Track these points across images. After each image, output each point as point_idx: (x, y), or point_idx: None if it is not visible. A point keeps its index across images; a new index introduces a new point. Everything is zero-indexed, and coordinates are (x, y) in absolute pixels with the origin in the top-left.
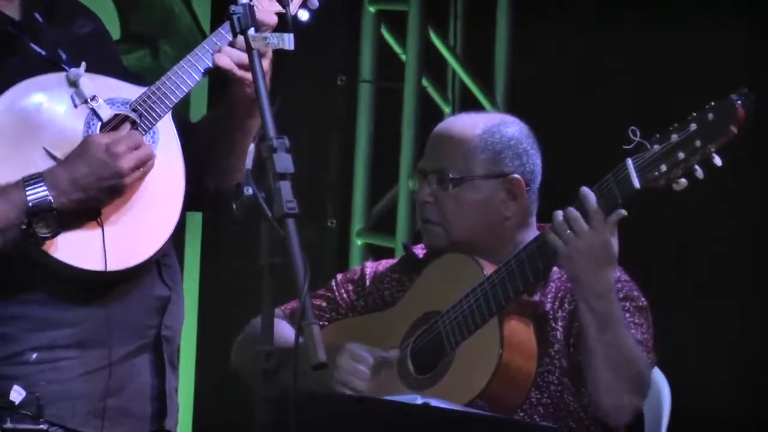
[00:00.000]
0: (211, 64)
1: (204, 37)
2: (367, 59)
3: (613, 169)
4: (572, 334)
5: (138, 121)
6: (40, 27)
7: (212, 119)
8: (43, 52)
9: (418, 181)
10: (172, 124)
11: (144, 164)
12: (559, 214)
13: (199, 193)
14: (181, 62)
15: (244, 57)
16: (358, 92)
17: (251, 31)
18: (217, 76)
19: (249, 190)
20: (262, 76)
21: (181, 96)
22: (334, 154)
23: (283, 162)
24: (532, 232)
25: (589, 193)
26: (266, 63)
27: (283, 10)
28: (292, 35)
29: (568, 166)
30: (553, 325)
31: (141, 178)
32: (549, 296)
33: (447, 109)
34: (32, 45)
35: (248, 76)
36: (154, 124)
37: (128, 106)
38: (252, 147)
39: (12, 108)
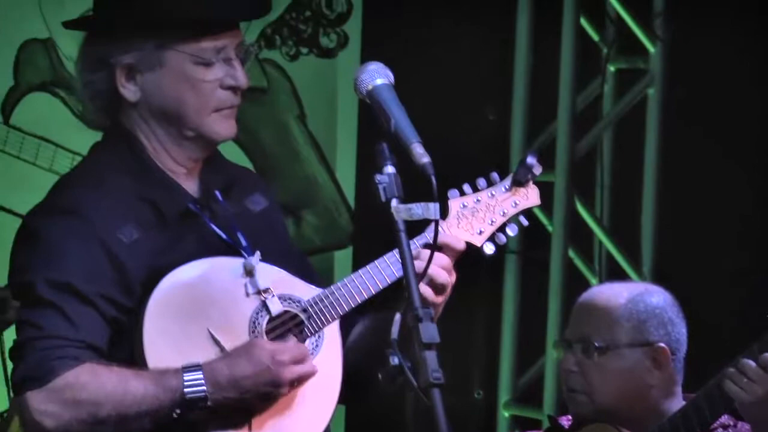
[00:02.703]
0: (390, 280)
1: (348, 208)
2: None
3: (760, 338)
4: None
5: (305, 321)
6: (219, 205)
7: (376, 326)
8: (224, 235)
9: (563, 350)
10: (339, 331)
11: (305, 380)
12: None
13: (353, 395)
14: (360, 270)
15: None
16: (504, 263)
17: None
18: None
19: (395, 360)
20: (407, 245)
21: (354, 305)
22: (481, 324)
23: (429, 331)
24: (677, 402)
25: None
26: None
27: (475, 243)
28: (437, 205)
29: (713, 337)
30: None
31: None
32: None
33: (594, 280)
34: (212, 225)
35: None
36: (321, 329)
37: (299, 304)
38: (398, 316)
39: (185, 284)
